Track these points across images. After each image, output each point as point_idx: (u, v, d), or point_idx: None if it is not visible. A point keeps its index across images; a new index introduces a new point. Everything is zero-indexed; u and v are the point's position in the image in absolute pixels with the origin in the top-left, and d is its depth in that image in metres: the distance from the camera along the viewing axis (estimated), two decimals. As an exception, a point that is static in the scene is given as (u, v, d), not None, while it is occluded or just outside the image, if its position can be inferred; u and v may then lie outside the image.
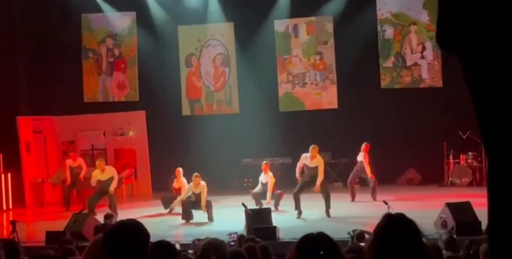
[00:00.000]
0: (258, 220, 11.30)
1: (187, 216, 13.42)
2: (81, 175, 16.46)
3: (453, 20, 2.21)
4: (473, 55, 2.17)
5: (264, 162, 15.19)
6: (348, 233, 9.34)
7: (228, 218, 13.55)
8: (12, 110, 18.31)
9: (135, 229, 2.83)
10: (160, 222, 13.12)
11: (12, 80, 18.78)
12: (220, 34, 19.59)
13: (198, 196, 13.63)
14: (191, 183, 13.88)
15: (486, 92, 2.17)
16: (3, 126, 17.83)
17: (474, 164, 17.39)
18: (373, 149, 18.00)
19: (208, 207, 13.55)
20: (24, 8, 18.99)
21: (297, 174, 14.05)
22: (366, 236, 8.64)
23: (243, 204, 11.80)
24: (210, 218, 13.45)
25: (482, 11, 2.14)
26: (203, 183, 13.77)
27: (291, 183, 17.92)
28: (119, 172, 18.86)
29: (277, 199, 14.55)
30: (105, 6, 19.48)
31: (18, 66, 19.13)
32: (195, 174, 13.93)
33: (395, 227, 2.73)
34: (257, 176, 18.80)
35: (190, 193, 13.69)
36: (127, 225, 2.85)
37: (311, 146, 13.84)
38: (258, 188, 14.91)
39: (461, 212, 10.70)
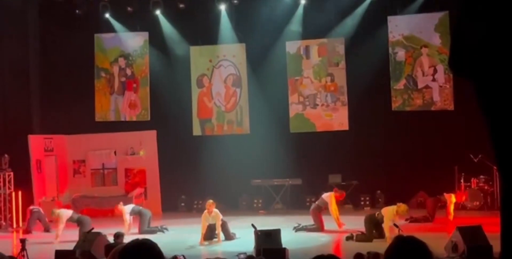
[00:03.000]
0: (268, 241, 11.24)
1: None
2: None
3: (466, 45, 2.21)
4: (488, 79, 2.17)
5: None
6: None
7: (237, 239, 13.53)
8: (24, 129, 18.42)
9: (149, 248, 2.83)
10: (170, 242, 13.04)
11: (24, 99, 18.92)
12: (231, 54, 19.69)
13: (214, 226, 13.56)
14: (205, 212, 13.67)
15: (501, 116, 2.17)
16: (15, 145, 17.91)
17: (486, 187, 17.27)
18: (383, 171, 17.98)
19: (224, 229, 13.54)
20: (37, 27, 19.20)
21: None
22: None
23: (253, 225, 11.75)
24: (229, 237, 13.53)
25: (496, 35, 2.14)
26: (216, 211, 13.61)
27: (301, 205, 17.91)
28: (128, 192, 18.97)
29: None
30: (118, 26, 19.65)
31: (31, 85, 19.28)
32: (210, 201, 13.80)
33: (406, 249, 2.72)
34: (267, 196, 18.84)
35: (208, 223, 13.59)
36: (142, 244, 2.85)
37: None
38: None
39: (472, 236, 10.63)
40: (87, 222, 14.17)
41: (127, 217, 14.84)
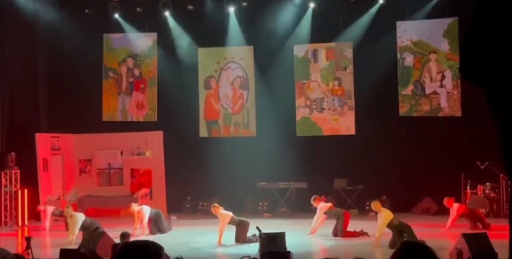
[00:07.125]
0: (272, 244, 11.24)
1: None
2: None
3: (478, 51, 2.21)
4: (499, 86, 2.17)
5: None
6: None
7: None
8: (31, 127, 18.48)
9: (150, 250, 2.79)
10: (174, 243, 13.04)
11: (32, 97, 18.99)
12: (239, 57, 19.71)
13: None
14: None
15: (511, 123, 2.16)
16: (22, 143, 17.98)
17: (492, 195, 17.21)
18: (389, 176, 17.96)
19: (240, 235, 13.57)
20: (46, 26, 19.24)
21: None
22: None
23: (258, 228, 11.76)
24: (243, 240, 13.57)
25: (508, 42, 2.14)
26: (222, 213, 13.66)
27: (306, 208, 17.88)
28: (134, 192, 19.02)
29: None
30: (127, 27, 19.68)
31: (39, 84, 19.34)
32: (214, 204, 13.90)
33: (414, 255, 2.72)
34: (272, 199, 18.83)
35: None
36: (145, 246, 2.82)
37: None
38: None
39: (477, 243, 10.59)
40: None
41: (146, 221, 14.82)
